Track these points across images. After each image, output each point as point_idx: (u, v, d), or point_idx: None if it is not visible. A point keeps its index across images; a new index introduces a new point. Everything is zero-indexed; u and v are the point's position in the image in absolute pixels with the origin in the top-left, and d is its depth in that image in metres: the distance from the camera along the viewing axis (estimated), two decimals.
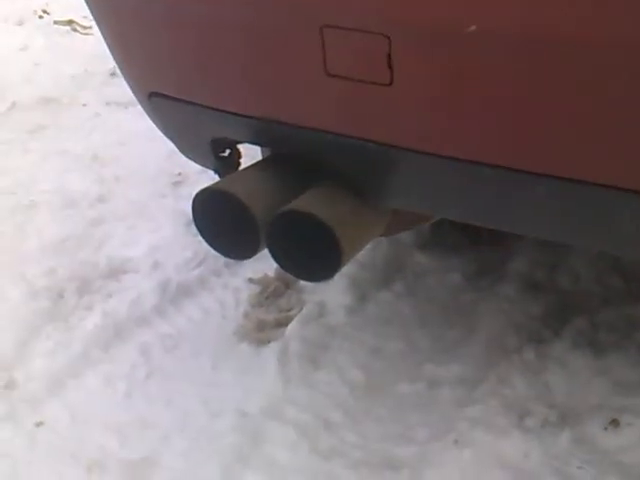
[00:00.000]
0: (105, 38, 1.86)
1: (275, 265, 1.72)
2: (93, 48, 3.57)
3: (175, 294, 2.41)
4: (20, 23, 4.47)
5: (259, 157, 1.84)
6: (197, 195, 1.64)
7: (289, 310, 2.34)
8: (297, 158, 1.64)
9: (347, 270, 2.28)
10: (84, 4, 1.84)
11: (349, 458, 1.86)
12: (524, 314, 2.23)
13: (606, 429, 1.88)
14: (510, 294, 2.30)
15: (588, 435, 1.87)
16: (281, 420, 1.95)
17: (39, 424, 2.01)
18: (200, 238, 1.74)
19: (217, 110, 1.64)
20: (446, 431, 1.90)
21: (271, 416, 1.97)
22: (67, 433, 1.98)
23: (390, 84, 1.34)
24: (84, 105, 3.61)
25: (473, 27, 1.19)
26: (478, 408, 1.95)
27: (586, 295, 2.30)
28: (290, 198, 1.56)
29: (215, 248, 1.72)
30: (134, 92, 1.91)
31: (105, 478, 1.86)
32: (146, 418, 2.00)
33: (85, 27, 4.28)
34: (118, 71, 2.01)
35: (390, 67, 1.33)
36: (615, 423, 1.88)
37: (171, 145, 2.02)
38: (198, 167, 2.15)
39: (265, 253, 1.65)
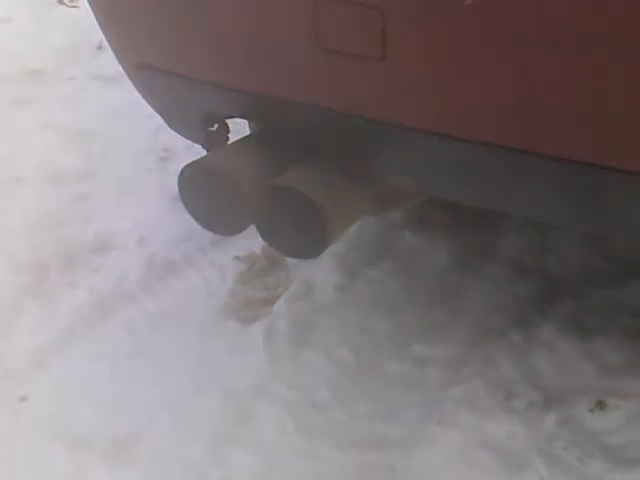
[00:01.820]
0: (92, 9, 1.83)
1: (262, 242, 1.70)
2: (80, 21, 3.52)
3: (161, 270, 2.39)
4: None
5: (247, 132, 1.82)
6: (183, 170, 1.63)
7: (276, 288, 2.33)
8: (286, 134, 1.62)
9: (335, 248, 2.27)
10: None
11: (336, 437, 1.87)
12: (511, 296, 2.23)
13: (592, 411, 1.88)
14: (498, 276, 2.30)
15: (574, 417, 1.88)
16: (268, 398, 1.95)
17: (23, 400, 2.00)
18: (187, 214, 1.72)
19: (206, 83, 1.62)
20: (433, 411, 1.91)
21: (258, 394, 1.97)
22: (51, 409, 1.97)
23: (383, 59, 1.33)
24: (70, 79, 3.56)
25: (469, 1, 1.18)
26: (464, 389, 1.95)
27: (573, 278, 2.30)
28: (278, 174, 1.54)
29: (201, 224, 1.70)
30: (122, 64, 1.88)
31: (90, 454, 1.85)
32: (132, 395, 2.00)
33: None
34: (105, 44, 1.98)
35: (383, 41, 1.31)
36: (601, 405, 1.89)
37: (159, 120, 2.00)
38: (186, 142, 2.13)
39: (252, 230, 1.63)
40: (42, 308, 2.26)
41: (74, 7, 4.10)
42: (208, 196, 1.63)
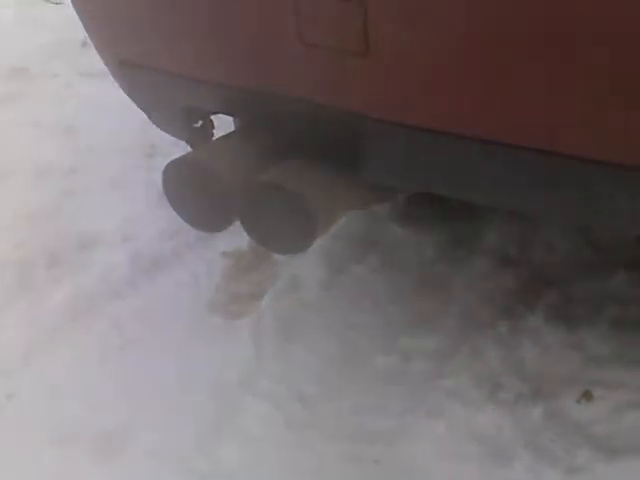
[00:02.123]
0: (74, 6, 1.83)
1: (249, 239, 1.70)
2: (64, 18, 3.49)
3: (147, 266, 2.39)
4: None
5: (232, 129, 1.81)
6: (168, 166, 1.62)
7: (263, 283, 2.33)
8: (271, 129, 1.62)
9: (321, 243, 2.27)
10: None
11: (323, 430, 1.87)
12: (497, 288, 2.23)
13: (579, 402, 1.89)
14: (484, 268, 2.31)
15: (561, 408, 1.89)
16: (255, 393, 1.96)
17: (10, 396, 2.00)
18: (173, 211, 1.72)
19: (188, 78, 1.62)
20: (420, 403, 1.92)
21: (245, 389, 1.97)
22: (39, 405, 1.97)
23: (366, 53, 1.33)
24: (56, 75, 3.55)
25: None
26: (452, 381, 1.96)
27: (559, 269, 2.31)
28: (263, 170, 1.54)
29: (186, 220, 1.70)
30: (105, 60, 1.88)
31: (78, 449, 1.86)
32: (119, 389, 2.00)
33: None
34: (90, 41, 1.97)
35: (366, 35, 1.31)
36: (587, 396, 1.90)
37: (144, 117, 1.99)
38: (171, 139, 2.12)
39: (239, 226, 1.63)
40: (28, 304, 2.25)
41: (58, 4, 4.08)
42: (193, 193, 1.63)
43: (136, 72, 1.73)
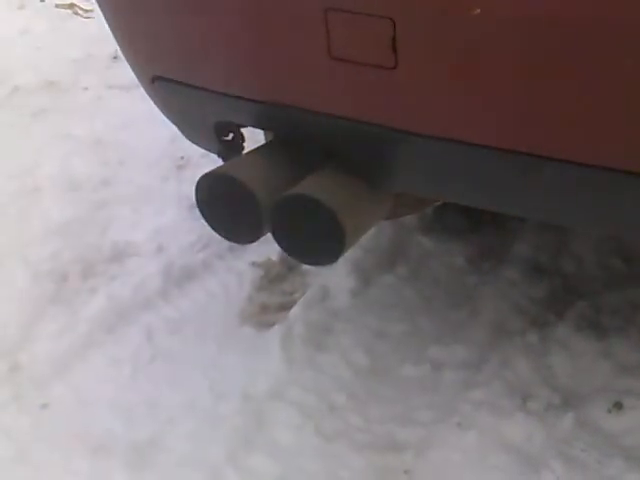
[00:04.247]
0: (107, 22, 1.86)
1: (279, 249, 1.71)
2: (94, 31, 3.55)
3: (179, 277, 2.41)
4: (21, 7, 4.45)
5: (262, 141, 1.83)
6: (200, 179, 1.64)
7: (292, 293, 2.35)
8: (301, 142, 1.63)
9: (350, 254, 2.28)
10: None
11: (353, 440, 1.88)
12: (527, 297, 2.24)
13: (609, 412, 1.89)
14: (513, 277, 2.31)
15: (591, 418, 1.88)
16: (285, 402, 1.97)
17: (44, 406, 2.02)
18: (204, 222, 1.74)
19: (221, 94, 1.64)
20: (450, 413, 1.92)
21: (275, 398, 1.98)
22: (72, 415, 1.99)
23: (395, 67, 1.34)
24: (86, 89, 3.60)
25: (478, 10, 1.19)
26: (482, 391, 1.96)
27: (589, 278, 2.31)
28: (293, 182, 1.55)
29: (218, 232, 1.72)
30: (137, 76, 1.90)
31: (111, 460, 1.87)
32: (151, 400, 2.02)
33: (86, 10, 4.25)
34: (120, 54, 2.01)
35: (394, 50, 1.32)
36: (618, 406, 1.89)
37: (174, 128, 2.02)
38: (201, 150, 2.15)
39: (269, 237, 1.65)
40: (62, 315, 2.28)
41: (88, 18, 4.14)
42: (225, 205, 1.64)
43: (168, 88, 1.76)
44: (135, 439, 1.91)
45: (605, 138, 1.27)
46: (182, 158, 2.97)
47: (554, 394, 1.94)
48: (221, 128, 1.77)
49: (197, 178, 1.66)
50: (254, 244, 1.85)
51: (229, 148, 1.81)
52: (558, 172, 1.33)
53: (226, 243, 2.37)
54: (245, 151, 1.83)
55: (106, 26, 1.89)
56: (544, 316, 2.17)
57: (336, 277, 2.32)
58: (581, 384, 1.97)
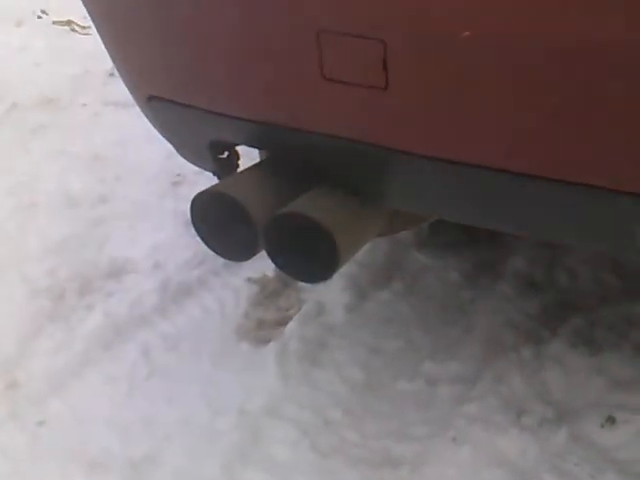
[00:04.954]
0: (103, 41, 1.88)
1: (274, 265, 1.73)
2: (92, 48, 3.54)
3: (175, 294, 2.42)
4: (19, 24, 4.47)
5: (257, 159, 1.85)
6: (195, 198, 1.65)
7: (288, 309, 2.36)
8: (295, 160, 1.65)
9: (346, 269, 2.30)
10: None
11: (349, 456, 1.88)
12: (522, 313, 2.25)
13: (602, 426, 1.89)
14: (508, 293, 2.32)
15: (585, 432, 1.89)
16: (281, 418, 1.97)
17: (41, 423, 2.02)
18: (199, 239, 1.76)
19: (215, 113, 1.65)
20: (444, 428, 1.93)
21: (271, 414, 1.99)
22: (69, 432, 1.99)
23: (386, 88, 1.36)
24: (84, 105, 3.62)
25: (467, 33, 1.21)
26: (476, 406, 1.97)
27: (583, 294, 2.32)
28: (288, 200, 1.57)
29: (213, 250, 1.73)
30: (133, 95, 1.92)
31: (107, 477, 1.88)
32: (148, 417, 2.02)
33: (84, 27, 4.27)
34: (116, 72, 2.02)
35: (386, 71, 1.34)
36: (611, 420, 1.90)
37: (170, 145, 2.03)
38: (197, 168, 2.16)
39: (264, 253, 1.66)
40: (59, 332, 2.29)
41: (86, 35, 4.16)
42: (220, 223, 1.65)
43: (163, 106, 1.77)
44: (132, 456, 1.92)
45: (600, 158, 1.28)
46: (178, 175, 2.98)
47: (548, 409, 1.95)
48: (216, 147, 1.78)
49: (193, 195, 1.67)
50: (249, 260, 1.86)
51: (224, 166, 1.83)
52: (552, 191, 1.34)
53: (221, 260, 2.38)
54: (240, 169, 1.84)
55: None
56: (538, 332, 2.18)
57: (331, 293, 2.34)
58: (575, 399, 1.98)
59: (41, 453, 1.94)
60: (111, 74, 3.66)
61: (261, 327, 2.29)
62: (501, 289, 2.34)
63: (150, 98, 1.80)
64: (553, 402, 1.98)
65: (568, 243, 1.75)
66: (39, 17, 4.55)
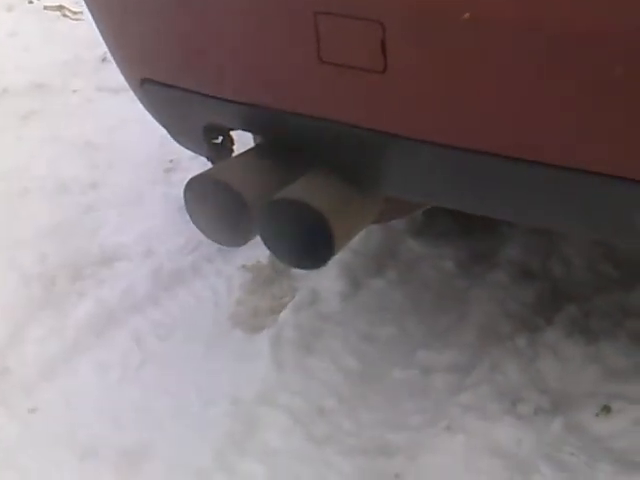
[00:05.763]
0: (96, 24, 1.85)
1: (268, 252, 1.71)
2: (84, 34, 3.54)
3: (168, 281, 2.41)
4: (10, 9, 4.43)
5: (252, 144, 1.83)
6: (189, 183, 1.64)
7: (282, 297, 2.34)
8: (290, 145, 1.63)
9: (340, 257, 2.28)
10: None
11: (343, 444, 1.87)
12: (517, 301, 2.23)
13: (598, 415, 1.89)
14: (503, 281, 2.31)
15: (580, 422, 1.88)
16: (275, 407, 1.96)
17: (32, 410, 2.01)
18: (192, 225, 1.74)
19: (210, 97, 1.63)
20: (439, 417, 1.92)
21: (265, 403, 1.97)
22: (60, 419, 1.98)
23: (384, 71, 1.34)
24: (75, 91, 3.59)
25: (467, 14, 1.19)
26: (471, 394, 1.96)
27: (579, 283, 2.31)
28: (283, 185, 1.55)
29: (207, 235, 1.71)
30: (126, 78, 1.90)
31: (99, 464, 1.86)
32: (140, 405, 2.01)
33: (75, 12, 4.24)
34: (109, 57, 2.00)
35: (384, 54, 1.32)
36: (607, 409, 1.89)
37: (163, 131, 2.01)
38: (190, 153, 2.15)
39: (258, 239, 1.65)
40: (50, 319, 2.27)
41: (77, 20, 4.13)
42: (214, 209, 1.64)
43: (157, 90, 1.75)
44: (124, 444, 1.91)
45: (596, 143, 1.27)
46: (171, 161, 2.96)
47: (543, 398, 1.94)
48: (210, 131, 1.77)
49: (186, 181, 1.65)
50: (243, 247, 1.85)
51: (218, 151, 1.81)
52: (548, 176, 1.33)
53: (215, 246, 2.36)
54: (234, 154, 1.82)
55: (95, 28, 1.88)
56: (534, 320, 2.17)
57: (326, 280, 2.32)
58: (570, 388, 1.97)
59: (32, 440, 1.93)
60: (103, 59, 3.62)
61: (255, 315, 2.28)
62: (496, 278, 2.33)
63: (143, 81, 1.78)
64: (548, 391, 1.97)
65: (566, 230, 1.74)
66: (30, 2, 4.51)
